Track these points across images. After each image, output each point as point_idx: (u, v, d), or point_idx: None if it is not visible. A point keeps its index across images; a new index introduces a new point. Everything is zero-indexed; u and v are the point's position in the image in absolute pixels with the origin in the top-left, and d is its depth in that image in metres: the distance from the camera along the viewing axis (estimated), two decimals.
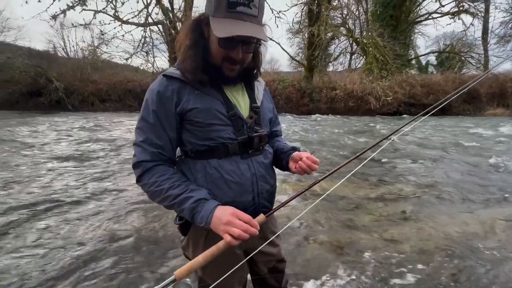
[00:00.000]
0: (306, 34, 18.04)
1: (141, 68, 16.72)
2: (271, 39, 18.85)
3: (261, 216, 0.81)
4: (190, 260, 0.75)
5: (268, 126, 1.02)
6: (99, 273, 1.92)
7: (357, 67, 23.72)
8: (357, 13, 23.13)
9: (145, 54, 13.61)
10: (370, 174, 4.36)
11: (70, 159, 5.00)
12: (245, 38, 0.79)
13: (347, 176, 1.08)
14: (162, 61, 24.79)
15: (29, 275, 1.89)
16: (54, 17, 9.03)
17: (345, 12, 21.76)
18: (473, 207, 3.07)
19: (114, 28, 17.05)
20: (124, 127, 9.37)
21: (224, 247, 0.75)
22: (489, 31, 23.37)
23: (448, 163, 4.95)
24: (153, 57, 14.15)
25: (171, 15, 14.50)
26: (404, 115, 14.51)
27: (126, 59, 11.93)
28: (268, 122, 1.03)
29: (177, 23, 15.51)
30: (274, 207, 0.94)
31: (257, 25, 0.81)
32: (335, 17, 20.70)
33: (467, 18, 22.35)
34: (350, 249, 2.21)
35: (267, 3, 15.20)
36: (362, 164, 0.93)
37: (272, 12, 15.84)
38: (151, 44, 13.67)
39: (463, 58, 24.73)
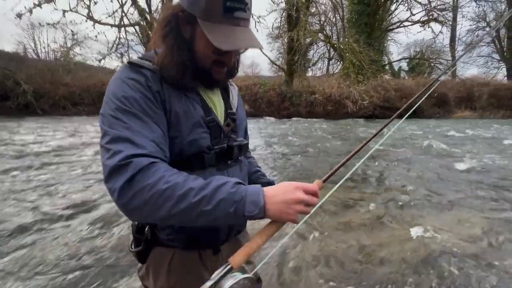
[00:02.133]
0: (285, 39, 18.36)
1: (117, 70, 16.26)
2: None
3: (319, 182, 0.69)
4: None
5: (243, 135, 0.91)
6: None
7: (335, 72, 24.51)
8: (334, 20, 23.98)
9: (120, 56, 13.21)
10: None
11: (35, 167, 4.70)
12: (248, 48, 0.71)
13: (340, 183, 1.04)
14: None
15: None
16: (19, 15, 8.56)
17: (322, 18, 22.46)
18: (448, 209, 3.15)
19: (87, 28, 16.43)
20: (96, 132, 8.99)
21: (279, 227, 0.63)
22: (457, 38, 25.21)
23: (421, 165, 5.17)
24: (129, 59, 13.80)
25: (148, 16, 14.23)
26: (379, 119, 15.11)
27: (99, 61, 11.51)
28: (244, 131, 0.93)
29: (155, 24, 15.29)
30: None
31: (250, 30, 0.72)
32: (314, 23, 21.30)
33: (436, 26, 23.85)
34: (332, 261, 2.14)
35: None
36: (351, 171, 0.90)
37: (252, 17, 15.98)
38: (126, 45, 13.30)
39: (432, 64, 26.32)
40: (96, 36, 12.13)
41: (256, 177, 1.01)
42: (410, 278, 1.89)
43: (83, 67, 17.34)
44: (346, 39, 15.49)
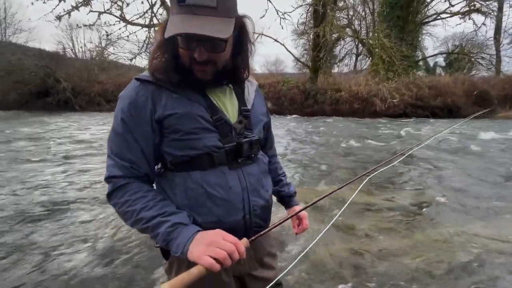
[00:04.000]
0: (311, 35, 17.90)
1: (146, 68, 16.98)
2: (275, 40, 18.84)
3: (244, 241, 0.69)
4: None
5: (261, 132, 0.90)
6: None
7: (363, 68, 23.45)
8: (363, 14, 22.88)
9: (149, 55, 13.77)
10: (379, 179, 4.24)
11: (75, 158, 5.04)
12: (200, 36, 0.67)
13: (363, 184, 1.08)
14: None
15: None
16: (59, 17, 9.20)
17: (351, 13, 21.55)
18: (486, 216, 2.89)
19: (119, 29, 17.36)
20: None
21: (198, 273, 0.62)
22: (502, 30, 22.78)
23: (460, 169, 4.77)
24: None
25: None
26: (412, 118, 14.22)
27: (131, 60, 12.05)
28: (262, 127, 0.91)
29: None
30: (270, 225, 0.79)
31: (216, 17, 0.68)
32: (341, 18, 20.52)
33: (478, 18, 21.78)
34: (357, 261, 2.08)
35: (271, 3, 15.16)
36: (371, 175, 0.88)
37: (277, 14, 15.79)
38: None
39: (473, 59, 24.12)
40: (128, 36, 12.71)
41: (276, 190, 1.04)
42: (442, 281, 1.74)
43: (115, 66, 18.33)
44: (376, 34, 14.70)
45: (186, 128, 0.74)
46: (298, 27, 20.65)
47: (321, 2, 14.74)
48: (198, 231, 0.70)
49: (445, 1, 21.87)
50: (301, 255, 0.88)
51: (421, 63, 24.19)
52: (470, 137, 8.34)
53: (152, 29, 15.40)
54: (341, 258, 2.11)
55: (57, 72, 16.15)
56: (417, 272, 1.94)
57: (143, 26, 15.37)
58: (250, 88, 0.90)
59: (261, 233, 0.73)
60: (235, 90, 0.86)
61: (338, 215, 1.08)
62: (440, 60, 26.70)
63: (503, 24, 22.73)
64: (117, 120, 0.76)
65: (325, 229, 1.02)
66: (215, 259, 0.63)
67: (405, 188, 3.78)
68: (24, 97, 16.00)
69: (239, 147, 0.79)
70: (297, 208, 1.02)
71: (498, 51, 22.98)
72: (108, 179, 0.76)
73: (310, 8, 17.73)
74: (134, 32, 15.29)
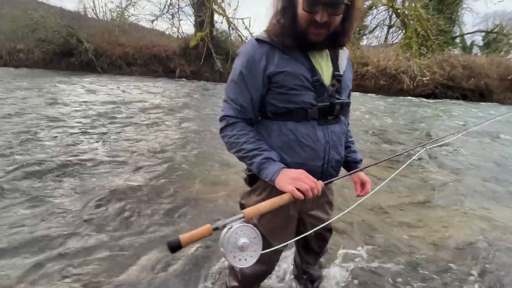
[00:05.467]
0: None
1: (167, 33, 16.54)
2: None
3: (320, 182, 0.85)
4: (244, 207, 0.92)
5: (348, 96, 1.02)
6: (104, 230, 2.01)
7: (394, 42, 21.92)
8: None
9: (171, 17, 13.33)
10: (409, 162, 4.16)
11: (99, 119, 5.18)
12: (327, 0, 0.78)
13: (408, 162, 1.19)
14: (187, 25, 24.30)
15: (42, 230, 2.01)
16: None
17: None
18: (494, 200, 2.82)
19: None
20: (152, 93, 9.51)
21: (288, 199, 0.79)
22: None
23: (483, 153, 4.60)
24: (179, 21, 13.87)
25: None
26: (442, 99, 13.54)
27: (152, 21, 11.76)
28: (348, 93, 1.03)
29: None
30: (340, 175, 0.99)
31: None
32: None
33: None
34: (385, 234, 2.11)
35: None
36: (411, 160, 1.12)
37: None
38: (177, 6, 13.31)
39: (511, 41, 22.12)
40: None
41: (344, 155, 1.10)
42: (452, 264, 1.79)
43: (135, 28, 18.00)
44: (413, 4, 13.54)
45: (290, 84, 0.88)
46: None
47: None
48: (283, 167, 0.87)
49: None
50: (354, 205, 0.99)
51: (457, 40, 22.32)
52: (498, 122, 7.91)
53: None
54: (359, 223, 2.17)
55: (79, 32, 16.06)
56: (426, 251, 1.95)
57: None
58: (343, 55, 1.00)
59: (333, 179, 0.93)
60: (331, 55, 0.96)
61: (394, 174, 1.17)
62: (478, 38, 24.55)
63: None
64: (235, 71, 0.92)
65: (380, 186, 1.17)
66: (299, 190, 0.79)
67: (429, 170, 3.70)
68: (48, 55, 16.16)
69: (332, 107, 0.92)
70: (361, 173, 1.11)
71: None
72: (223, 117, 0.94)
73: None
74: None
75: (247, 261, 0.71)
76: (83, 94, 7.81)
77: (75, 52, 15.93)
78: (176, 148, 3.69)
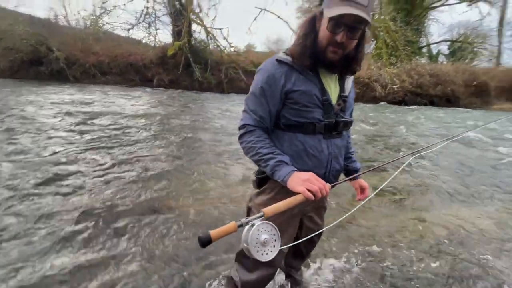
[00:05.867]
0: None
1: (143, 41, 16.28)
2: (278, 17, 18.23)
3: (328, 184, 0.96)
4: (250, 209, 1.10)
5: (350, 113, 1.16)
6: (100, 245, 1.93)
7: (366, 52, 22.94)
8: None
9: (147, 26, 13.17)
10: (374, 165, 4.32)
11: (68, 131, 4.97)
12: (350, 23, 0.90)
13: (400, 168, 1.33)
14: (164, 35, 23.97)
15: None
16: None
17: None
18: (476, 203, 3.02)
19: None
20: (128, 102, 9.27)
21: (301, 200, 0.88)
22: (506, 22, 22.45)
23: (452, 157, 4.89)
24: (156, 30, 13.69)
25: None
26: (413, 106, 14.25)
27: (128, 30, 11.57)
28: (351, 111, 1.17)
29: None
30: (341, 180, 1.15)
31: (365, 12, 0.89)
32: None
33: (484, 7, 21.30)
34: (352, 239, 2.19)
35: None
36: (395, 174, 1.26)
37: None
38: (153, 15, 13.18)
39: (475, 49, 23.90)
40: (124, 5, 12.14)
41: (345, 164, 1.24)
42: (423, 262, 1.86)
43: (110, 37, 17.57)
44: (382, 17, 14.31)
45: (303, 101, 1.00)
46: (302, 4, 19.92)
47: None
48: (295, 170, 0.96)
49: None
50: (346, 216, 1.11)
51: (424, 49, 23.82)
52: (464, 126, 8.46)
53: None
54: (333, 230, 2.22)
55: (49, 40, 15.43)
56: (398, 251, 2.05)
57: None
58: (349, 79, 1.13)
59: (339, 182, 1.09)
60: (339, 78, 1.09)
61: (382, 187, 1.31)
62: (444, 48, 26.34)
63: (507, 16, 22.42)
64: (256, 86, 1.04)
65: (368, 198, 1.26)
66: (309, 191, 0.88)
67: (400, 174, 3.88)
68: (16, 64, 15.34)
69: (336, 124, 1.05)
70: (361, 180, 1.27)
71: (500, 42, 22.80)
72: (243, 125, 1.06)
73: None
74: (131, 1, 14.53)
75: (268, 255, 0.78)
76: (53, 103, 7.46)
77: (44, 61, 15.23)
78: (157, 157, 3.60)
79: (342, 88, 1.09)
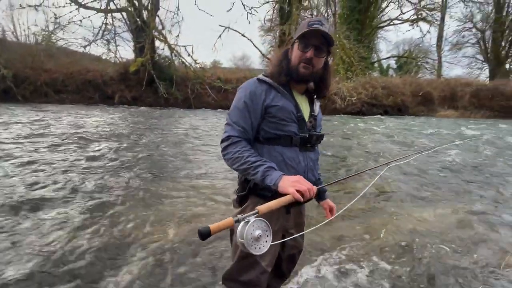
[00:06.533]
0: (277, 33, 18.21)
1: (103, 58, 15.63)
2: (242, 35, 18.83)
3: (314, 187, 1.04)
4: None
5: (320, 131, 1.29)
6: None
7: None
8: (326, 14, 23.88)
9: (107, 43, 12.73)
10: (328, 170, 4.58)
11: (13, 156, 4.54)
12: (317, 43, 1.10)
13: (375, 179, 1.60)
14: (125, 51, 23.17)
15: None
16: None
17: (315, 13, 22.32)
18: (427, 205, 3.32)
19: (71, 12, 15.44)
20: (82, 121, 8.72)
21: (290, 199, 0.96)
22: (443, 38, 25.75)
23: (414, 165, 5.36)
24: (116, 46, 13.26)
25: (136, 2, 13.75)
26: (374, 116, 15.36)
27: (85, 47, 11.07)
28: (320, 129, 1.30)
29: (143, 11, 14.76)
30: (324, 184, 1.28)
31: (327, 34, 1.10)
32: (306, 17, 21.17)
33: (424, 26, 24.27)
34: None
35: (240, 0, 15.17)
36: (370, 184, 1.44)
37: (244, 8, 15.79)
38: (113, 32, 12.80)
39: (419, 63, 26.85)
40: (80, 21, 11.64)
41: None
42: (387, 263, 2.03)
43: (65, 53, 16.59)
44: (337, 35, 15.54)
45: (281, 115, 1.13)
46: (264, 23, 20.83)
47: (287, 0, 15.08)
48: (283, 174, 1.04)
49: (397, 9, 23.89)
50: (320, 224, 1.19)
51: (376, 64, 26.22)
52: (415, 133, 9.35)
53: (109, 14, 14.28)
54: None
55: None
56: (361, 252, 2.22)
57: (98, 10, 14.18)
58: (317, 103, 1.30)
59: (325, 184, 1.24)
60: (310, 100, 1.26)
61: (357, 197, 1.43)
62: (392, 62, 29.28)
63: (444, 33, 25.75)
64: (240, 101, 1.14)
65: (342, 210, 1.34)
66: (299, 192, 0.97)
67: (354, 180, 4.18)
68: None
69: (310, 137, 1.18)
70: (329, 200, 1.36)
71: (439, 56, 25.97)
72: (227, 137, 1.12)
73: (277, 5, 18.02)
74: (88, 17, 13.92)
75: (261, 249, 0.85)
76: None
77: None
78: (118, 182, 3.39)
79: (312, 109, 1.25)
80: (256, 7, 16.72)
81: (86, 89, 14.98)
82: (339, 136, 8.44)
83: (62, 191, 3.20)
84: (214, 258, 2.04)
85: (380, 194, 3.53)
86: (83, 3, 11.29)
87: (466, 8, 28.13)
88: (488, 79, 24.32)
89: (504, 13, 24.08)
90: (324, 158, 5.41)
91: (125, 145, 5.76)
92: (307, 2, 19.30)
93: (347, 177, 1.40)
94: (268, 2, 18.46)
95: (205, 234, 0.79)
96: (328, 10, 23.36)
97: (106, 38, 13.05)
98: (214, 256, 2.07)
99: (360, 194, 1.45)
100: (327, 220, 1.29)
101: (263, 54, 22.61)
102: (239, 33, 17.60)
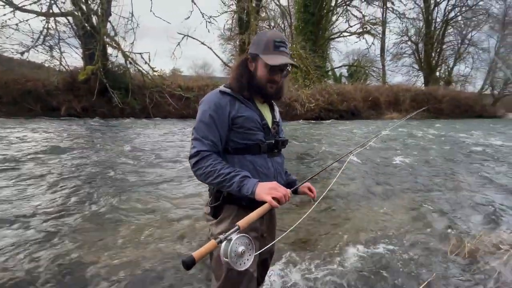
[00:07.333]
0: (237, 42, 18.49)
1: (46, 65, 14.12)
2: (202, 43, 18.71)
3: (289, 190, 1.08)
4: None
5: (283, 136, 1.35)
6: None
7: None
8: (283, 26, 25.07)
9: (49, 49, 11.54)
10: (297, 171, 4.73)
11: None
12: (283, 68, 1.18)
13: (342, 168, 1.61)
14: (72, 58, 21.23)
15: None
16: None
17: (272, 24, 23.27)
18: (378, 201, 3.63)
19: (5, 15, 13.65)
20: (22, 135, 7.68)
21: (268, 208, 0.99)
22: (386, 49, 28.92)
23: (357, 163, 5.79)
24: (61, 53, 12.08)
25: (84, 6, 12.78)
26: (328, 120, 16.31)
27: (22, 53, 9.91)
28: (283, 133, 1.35)
29: (92, 16, 13.78)
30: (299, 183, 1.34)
31: (289, 56, 1.20)
32: (264, 28, 21.92)
33: (369, 38, 27.00)
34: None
35: (196, 6, 15.13)
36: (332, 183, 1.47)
37: (203, 17, 15.74)
38: (57, 37, 11.67)
39: (367, 71, 29.62)
40: (17, 24, 10.40)
41: (286, 177, 1.41)
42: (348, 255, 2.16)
43: None
44: (294, 45, 16.37)
45: (248, 125, 1.16)
46: (224, 32, 21.01)
47: (245, 11, 15.46)
48: (259, 181, 1.06)
49: (345, 22, 26.07)
50: (290, 229, 1.21)
51: (330, 73, 28.21)
52: (365, 134, 10.20)
53: (52, 18, 12.99)
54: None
55: None
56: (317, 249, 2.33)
57: (38, 14, 12.82)
58: (276, 109, 1.36)
59: (296, 186, 1.28)
60: (270, 107, 1.31)
61: (323, 195, 1.45)
62: (344, 71, 31.85)
63: (386, 45, 28.95)
64: (205, 114, 1.14)
65: (311, 208, 1.44)
66: (274, 199, 1.00)
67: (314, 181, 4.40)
68: None
69: (276, 143, 1.23)
70: (306, 183, 1.37)
71: (383, 65, 29.06)
72: (196, 152, 1.11)
73: (235, 15, 18.33)
74: (26, 20, 12.47)
75: (245, 264, 0.87)
76: None
77: None
78: (68, 207, 3.00)
79: (273, 116, 1.30)
80: (215, 16, 16.73)
81: (25, 100, 13.30)
82: (302, 140, 8.81)
83: (11, 214, 2.77)
84: (196, 280, 1.95)
85: (337, 197, 3.72)
86: (20, 5, 10.09)
87: (402, 23, 32.19)
88: (423, 85, 27.88)
89: (433, 28, 28.06)
90: (290, 162, 5.59)
91: (77, 161, 5.23)
92: (264, 13, 20.02)
93: (320, 171, 1.50)
94: (226, 12, 18.74)
95: (189, 264, 0.77)
96: (285, 22, 24.60)
97: (48, 44, 11.80)
98: (197, 277, 1.98)
99: (338, 175, 1.59)
100: (317, 202, 1.37)
101: (224, 63, 22.74)
102: (199, 41, 17.47)
